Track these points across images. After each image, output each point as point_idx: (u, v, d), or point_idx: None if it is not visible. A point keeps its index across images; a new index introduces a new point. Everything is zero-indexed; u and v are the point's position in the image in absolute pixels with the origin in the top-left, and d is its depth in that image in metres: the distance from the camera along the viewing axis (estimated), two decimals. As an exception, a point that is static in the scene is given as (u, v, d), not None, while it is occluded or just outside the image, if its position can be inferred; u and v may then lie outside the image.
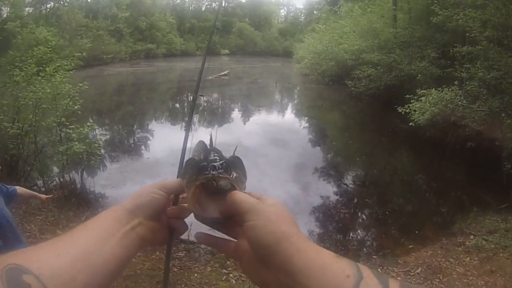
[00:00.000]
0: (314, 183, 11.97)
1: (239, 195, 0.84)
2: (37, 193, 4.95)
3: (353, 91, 24.53)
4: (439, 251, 7.52)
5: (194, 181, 0.88)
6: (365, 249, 8.75)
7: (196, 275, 5.83)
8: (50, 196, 5.37)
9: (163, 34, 74.00)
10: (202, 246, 7.41)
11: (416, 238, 8.52)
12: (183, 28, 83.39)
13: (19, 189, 4.26)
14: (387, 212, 10.10)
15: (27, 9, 50.59)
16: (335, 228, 9.61)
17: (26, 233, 7.31)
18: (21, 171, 10.50)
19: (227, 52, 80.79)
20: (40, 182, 11.09)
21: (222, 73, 40.17)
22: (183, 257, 6.83)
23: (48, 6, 57.50)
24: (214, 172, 0.87)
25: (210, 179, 0.88)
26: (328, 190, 11.58)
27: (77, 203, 9.67)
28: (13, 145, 10.25)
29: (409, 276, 6.56)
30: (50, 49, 12.88)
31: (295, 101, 32.27)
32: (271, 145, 15.73)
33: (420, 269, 6.82)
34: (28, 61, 11.31)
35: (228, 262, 6.55)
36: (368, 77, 22.76)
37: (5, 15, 35.09)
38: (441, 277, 6.51)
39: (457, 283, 6.32)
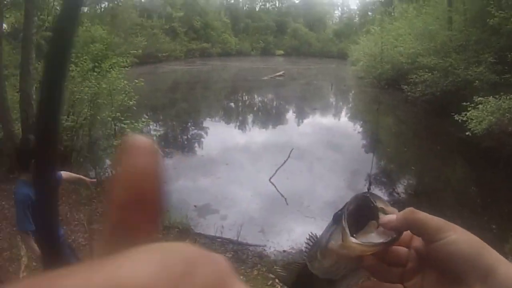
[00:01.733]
0: (365, 188, 11.48)
1: (420, 213, 0.70)
2: (82, 176, 5.18)
3: (409, 96, 23.61)
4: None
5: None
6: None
7: (241, 277, 5.48)
8: (94, 180, 5.64)
9: (218, 33, 74.62)
10: (251, 248, 7.39)
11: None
12: (238, 28, 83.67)
13: (64, 173, 4.49)
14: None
15: (82, 8, 51.82)
16: None
17: (74, 221, 7.54)
18: (75, 162, 10.68)
19: (282, 53, 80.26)
20: (92, 174, 11.18)
21: (277, 74, 39.93)
22: (230, 257, 6.64)
23: (103, 5, 58.91)
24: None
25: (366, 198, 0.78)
26: (379, 194, 11.09)
27: (128, 196, 9.67)
28: (67, 136, 10.46)
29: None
30: (105, 46, 13.03)
31: (350, 104, 31.74)
32: (325, 149, 15.41)
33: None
34: (84, 57, 11.46)
35: (275, 267, 6.34)
36: (424, 82, 21.87)
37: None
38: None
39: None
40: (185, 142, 17.57)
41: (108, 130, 11.28)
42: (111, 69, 11.25)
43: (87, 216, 7.68)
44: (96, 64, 11.46)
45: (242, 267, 6.31)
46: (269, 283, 5.91)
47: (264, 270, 6.26)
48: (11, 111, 10.47)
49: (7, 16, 22.05)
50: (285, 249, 7.60)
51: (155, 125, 19.34)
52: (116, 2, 59.00)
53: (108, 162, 11.91)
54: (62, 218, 7.54)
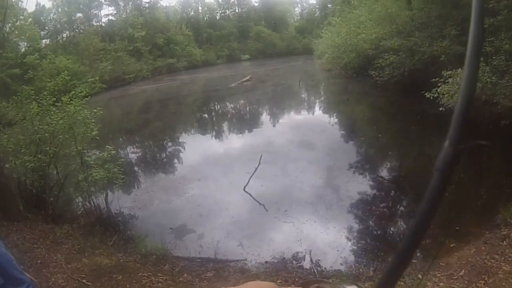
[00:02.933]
0: (343, 183, 11.51)
1: None
2: None
3: (378, 81, 23.94)
4: (483, 248, 6.90)
5: None
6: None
7: None
8: None
9: (182, 47, 74.68)
10: (231, 264, 7.33)
11: (457, 235, 7.92)
12: (201, 39, 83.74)
13: None
14: None
15: (44, 41, 52.05)
16: (366, 227, 9.16)
17: (52, 263, 7.28)
18: (48, 201, 10.52)
19: (248, 57, 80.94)
20: (67, 210, 11.14)
21: (245, 79, 40.21)
22: (211, 277, 6.69)
23: (64, 35, 58.73)
24: None
25: None
26: (359, 188, 11.10)
27: (104, 229, 9.59)
28: (37, 176, 10.26)
29: (452, 280, 6.04)
30: (69, 76, 12.91)
31: (321, 98, 31.93)
32: (298, 148, 15.43)
33: (463, 271, 6.26)
34: (44, 93, 11.31)
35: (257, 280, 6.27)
36: (390, 64, 22.23)
37: (23, 50, 35.92)
38: (486, 278, 5.92)
39: (503, 283, 5.72)
40: (158, 163, 17.45)
41: (75, 165, 11.07)
42: (71, 102, 11.07)
43: (64, 255, 7.55)
44: (56, 98, 11.32)
45: (225, 285, 6.06)
46: None
47: None
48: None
49: None
50: (267, 260, 7.54)
51: (128, 148, 19.36)
52: (76, 31, 58.94)
53: (80, 196, 11.74)
54: (42, 262, 7.43)
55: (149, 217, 10.72)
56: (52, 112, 10.66)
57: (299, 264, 7.30)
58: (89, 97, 12.06)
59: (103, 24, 69.50)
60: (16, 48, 36.13)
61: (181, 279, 6.46)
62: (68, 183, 11.17)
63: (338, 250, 7.78)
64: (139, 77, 59.00)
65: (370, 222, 9.32)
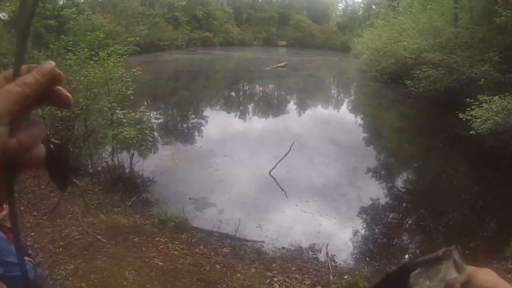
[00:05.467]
0: (365, 185, 11.43)
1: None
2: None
3: (412, 91, 23.45)
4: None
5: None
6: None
7: (239, 275, 5.61)
8: None
9: (220, 23, 74.72)
10: (249, 244, 7.26)
11: (465, 259, 7.70)
12: (240, 18, 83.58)
13: None
14: (435, 223, 9.56)
15: (83, -4, 52.54)
16: (381, 232, 9.13)
17: (68, 214, 7.34)
18: (70, 152, 10.54)
19: (285, 44, 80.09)
20: (88, 164, 11.17)
21: (280, 64, 39.88)
22: (227, 253, 6.63)
23: (105, -6, 59.08)
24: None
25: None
26: (379, 192, 11.07)
27: (124, 188, 9.63)
28: (63, 127, 10.26)
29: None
30: (104, 34, 12.87)
31: (352, 98, 31.50)
32: (326, 143, 15.25)
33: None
34: (81, 45, 11.28)
35: (274, 265, 6.30)
36: (428, 77, 21.70)
37: (61, 2, 36.19)
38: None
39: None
40: (185, 132, 17.39)
41: (105, 120, 11.07)
42: (109, 58, 11.05)
43: (82, 208, 7.58)
44: (94, 52, 11.29)
45: (239, 264, 6.16)
46: (266, 282, 5.77)
47: (262, 268, 6.10)
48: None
49: (7, 4, 22.00)
50: (284, 245, 7.47)
51: (155, 113, 19.28)
52: (117, -10, 59.16)
53: (104, 152, 11.93)
54: (57, 211, 7.45)
55: (171, 184, 10.64)
56: (89, 66, 10.63)
57: (314, 256, 7.25)
58: (127, 56, 12.01)
59: (144, -12, 69.66)
60: (54, 0, 36.42)
61: (197, 250, 6.43)
62: (92, 137, 11.17)
63: (353, 249, 7.83)
64: (173, 45, 59.12)
65: (385, 229, 9.26)
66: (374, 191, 10.95)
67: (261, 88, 30.95)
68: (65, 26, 23.55)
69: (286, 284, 5.74)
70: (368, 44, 37.23)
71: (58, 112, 9.92)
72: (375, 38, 35.78)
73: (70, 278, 5.31)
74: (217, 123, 18.11)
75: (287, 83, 32.93)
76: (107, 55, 10.99)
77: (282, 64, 40.35)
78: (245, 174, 11.37)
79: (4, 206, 3.89)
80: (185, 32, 66.13)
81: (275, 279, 5.85)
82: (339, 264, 7.05)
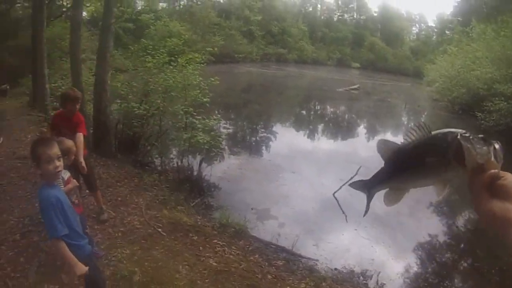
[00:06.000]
0: (426, 218, 11.21)
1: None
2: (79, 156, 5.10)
3: (482, 125, 22.25)
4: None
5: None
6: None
7: (288, 287, 5.63)
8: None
9: (295, 40, 75.08)
10: (303, 260, 7.28)
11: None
12: (315, 37, 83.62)
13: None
14: (493, 270, 8.88)
15: (161, 4, 54.28)
16: (434, 270, 8.72)
17: (132, 204, 7.68)
18: (142, 148, 11.08)
19: (358, 66, 79.43)
20: (158, 161, 11.72)
21: (352, 87, 39.53)
22: (280, 266, 6.69)
23: (182, 3, 60.60)
24: None
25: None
26: (438, 228, 10.73)
27: (190, 189, 9.92)
28: (137, 123, 10.94)
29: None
30: (182, 41, 13.41)
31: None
32: None
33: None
34: (161, 50, 11.91)
35: (323, 284, 6.30)
36: (499, 111, 20.82)
37: (139, 8, 37.64)
38: None
39: None
40: (254, 144, 17.63)
41: (179, 123, 11.57)
42: (187, 65, 11.57)
43: (146, 201, 7.89)
44: (172, 58, 11.84)
45: (291, 278, 6.20)
46: None
47: (312, 285, 6.12)
48: (84, 92, 10.93)
49: (87, 5, 23.25)
50: (336, 267, 7.46)
51: (227, 123, 19.67)
52: (194, 1, 60.61)
53: (174, 152, 12.40)
54: (122, 200, 7.83)
55: (236, 192, 10.89)
56: (168, 70, 11.18)
57: (364, 282, 7.21)
58: (204, 65, 12.47)
59: (221, 1, 70.98)
60: (134, 5, 37.95)
61: (251, 258, 6.52)
62: (165, 137, 11.73)
63: (403, 282, 7.67)
64: (248, 58, 60.08)
65: (439, 267, 8.91)
66: (434, 226, 10.70)
67: (332, 109, 30.81)
68: (146, 30, 24.58)
69: (330, 303, 5.61)
70: (440, 71, 36.03)
71: (135, 109, 10.53)
72: (448, 65, 34.54)
73: (124, 262, 5.56)
74: (287, 139, 18.21)
75: (359, 106, 32.51)
76: (186, 61, 11.54)
77: (355, 86, 39.96)
78: (309, 192, 11.39)
79: (71, 179, 4.36)
80: (260, 47, 67.02)
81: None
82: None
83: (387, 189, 1.33)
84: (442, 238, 10.15)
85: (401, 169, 1.23)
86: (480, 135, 1.04)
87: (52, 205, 3.19)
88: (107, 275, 4.70)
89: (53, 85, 16.27)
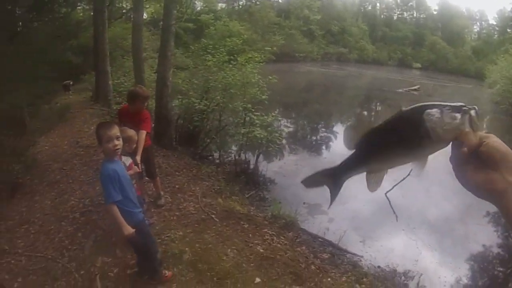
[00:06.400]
0: (476, 225, 10.60)
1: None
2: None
3: None
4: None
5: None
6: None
7: (329, 279, 5.81)
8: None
9: (355, 39, 74.39)
10: (348, 255, 7.48)
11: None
12: (375, 36, 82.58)
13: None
14: None
15: (220, 4, 54.91)
16: (478, 281, 8.42)
17: (189, 192, 8.17)
18: (201, 141, 11.85)
19: (419, 66, 77.56)
20: (216, 155, 12.40)
21: (412, 88, 38.73)
22: (325, 259, 6.90)
23: (240, 3, 61.06)
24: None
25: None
26: (490, 238, 10.20)
27: (245, 181, 10.42)
28: (198, 118, 11.54)
29: None
30: (241, 41, 13.86)
31: (483, 132, 28.93)
32: (446, 173, 14.15)
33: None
34: (221, 49, 12.46)
35: (364, 279, 6.41)
36: None
37: (199, 8, 38.38)
38: None
39: None
40: (311, 142, 17.90)
41: (238, 119, 12.11)
42: (246, 63, 12.05)
43: (203, 190, 8.34)
44: (232, 57, 12.33)
45: (333, 270, 6.34)
46: None
47: (353, 279, 6.24)
48: (146, 88, 11.64)
49: (147, 6, 24.22)
50: (380, 265, 7.58)
51: (285, 121, 20.10)
52: (253, 1, 61.01)
53: (232, 147, 12.94)
54: (179, 187, 8.33)
55: (290, 186, 11.14)
56: (228, 68, 11.77)
57: (405, 282, 7.32)
58: (263, 63, 12.86)
59: (280, 0, 71.19)
60: (193, 6, 38.68)
61: (298, 249, 6.70)
62: (224, 132, 12.29)
63: (444, 286, 7.56)
64: (308, 58, 60.17)
65: (488, 280, 8.61)
66: (485, 235, 10.24)
67: (391, 110, 29.95)
68: (206, 30, 25.20)
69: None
70: (502, 72, 34.17)
71: (196, 104, 11.11)
72: (510, 66, 32.93)
73: (176, 242, 5.95)
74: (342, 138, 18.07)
75: None
76: (245, 60, 12.02)
77: (415, 87, 39.07)
78: (362, 191, 11.15)
79: (132, 165, 4.93)
80: (321, 46, 66.93)
81: (357, 290, 5.97)
82: (425, 297, 6.97)
83: (367, 175, 1.37)
84: (493, 249, 9.79)
85: (374, 151, 1.27)
86: (454, 104, 1.06)
87: (109, 176, 3.87)
88: (159, 251, 5.13)
89: (115, 81, 17.16)
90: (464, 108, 1.04)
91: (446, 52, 79.97)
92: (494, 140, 1.01)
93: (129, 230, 3.96)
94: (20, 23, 13.26)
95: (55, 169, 9.83)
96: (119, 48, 23.40)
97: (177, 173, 9.26)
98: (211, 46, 12.94)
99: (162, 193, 7.34)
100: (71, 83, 21.46)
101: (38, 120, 15.49)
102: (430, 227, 9.77)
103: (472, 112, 1.04)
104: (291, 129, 19.16)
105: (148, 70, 14.17)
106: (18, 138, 13.20)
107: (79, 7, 24.27)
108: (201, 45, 13.95)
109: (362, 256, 7.68)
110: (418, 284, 7.09)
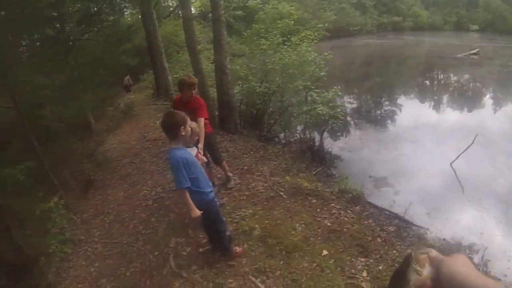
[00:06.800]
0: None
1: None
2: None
3: None
4: None
5: None
6: None
7: (395, 251, 5.74)
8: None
9: (408, 6, 72.32)
10: (413, 228, 7.48)
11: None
12: (427, 1, 79.55)
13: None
14: None
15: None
16: None
17: (257, 172, 8.41)
18: (265, 123, 12.26)
19: (477, 28, 72.34)
20: (281, 136, 12.67)
21: (472, 52, 36.97)
22: (391, 231, 6.93)
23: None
24: None
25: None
26: None
27: (311, 158, 10.63)
28: (260, 101, 11.87)
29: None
30: (293, 21, 13.94)
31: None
32: None
33: None
34: (273, 32, 12.64)
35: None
36: None
37: (246, -6, 38.64)
38: None
39: None
40: (374, 116, 17.73)
41: (299, 98, 12.33)
42: (300, 43, 12.17)
43: (270, 169, 8.58)
44: (286, 38, 12.46)
45: (399, 243, 6.32)
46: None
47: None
48: (206, 79, 12.10)
49: (192, 1, 24.67)
50: (445, 237, 7.50)
51: (347, 97, 20.22)
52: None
53: (296, 126, 13.00)
54: (248, 169, 8.59)
55: (355, 161, 11.33)
56: (283, 50, 11.93)
57: (470, 255, 7.02)
58: (317, 41, 12.95)
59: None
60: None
61: (365, 222, 6.74)
62: (287, 113, 12.51)
63: (509, 261, 7.15)
64: (363, 30, 59.37)
65: None
66: None
67: (453, 78, 29.15)
68: (255, 16, 25.38)
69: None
70: None
71: (256, 88, 11.35)
72: None
73: (246, 219, 6.20)
74: (408, 110, 18.02)
75: (480, 72, 29.76)
76: (299, 40, 12.14)
77: (474, 51, 37.11)
78: (427, 162, 11.24)
79: (198, 155, 5.10)
80: (373, 17, 65.65)
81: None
82: (489, 271, 6.71)
83: None
84: None
85: None
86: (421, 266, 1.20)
87: (178, 164, 4.12)
88: (230, 230, 5.37)
89: (175, 76, 17.67)
90: (407, 259, 1.23)
91: (502, 11, 75.78)
92: (449, 264, 1.16)
93: (196, 213, 4.23)
94: (71, 37, 13.93)
95: (125, 164, 10.55)
96: (172, 45, 24.15)
97: (244, 155, 9.54)
98: (264, 30, 13.09)
99: (230, 175, 7.58)
100: (130, 80, 22.24)
101: (103, 121, 16.20)
102: (496, 199, 9.33)
103: (413, 256, 1.21)
104: (354, 105, 19.16)
105: (205, 61, 14.50)
106: (86, 140, 13.97)
107: (126, 13, 24.98)
108: (253, 30, 14.10)
109: (427, 229, 7.64)
110: (482, 258, 6.95)
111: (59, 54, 12.57)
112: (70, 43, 13.76)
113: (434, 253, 1.28)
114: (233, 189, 7.44)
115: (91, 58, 14.33)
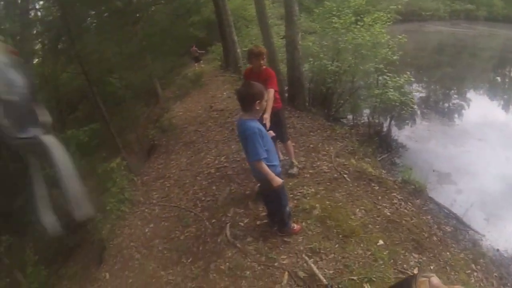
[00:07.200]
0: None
1: None
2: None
3: None
4: None
5: None
6: None
7: (448, 253, 5.57)
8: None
9: (482, -6, 69.72)
10: (470, 231, 7.18)
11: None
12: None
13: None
14: None
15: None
16: None
17: (322, 151, 8.33)
18: (334, 103, 12.17)
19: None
20: (349, 117, 12.66)
21: None
22: (448, 232, 6.66)
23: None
24: None
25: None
26: None
27: (378, 143, 10.52)
28: (331, 79, 11.76)
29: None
30: (365, 1, 13.71)
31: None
32: None
33: None
34: (345, 11, 12.52)
35: (481, 260, 6.00)
36: None
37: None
38: None
39: None
40: (444, 108, 17.23)
41: (371, 80, 12.14)
42: (373, 24, 11.95)
43: (336, 150, 8.50)
44: (358, 18, 12.26)
45: (453, 245, 6.11)
46: (467, 271, 5.53)
47: (470, 258, 5.88)
48: (276, 53, 12.14)
49: None
50: (499, 248, 7.03)
51: (417, 85, 19.61)
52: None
53: (365, 109, 12.88)
54: (313, 147, 8.51)
55: (421, 152, 11.10)
56: (356, 29, 11.73)
57: None
58: (390, 23, 12.70)
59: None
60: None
61: (424, 217, 6.62)
62: (357, 94, 12.34)
63: None
64: (435, 16, 57.62)
65: None
66: None
67: None
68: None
69: (482, 284, 5.45)
70: None
71: (328, 66, 11.24)
72: None
73: (308, 198, 6.15)
74: (477, 106, 17.16)
75: None
76: (372, 21, 11.92)
77: None
78: (493, 163, 10.64)
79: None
80: (447, 3, 63.55)
81: (475, 273, 5.59)
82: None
83: None
84: None
85: None
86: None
87: (255, 134, 4.15)
88: (290, 207, 5.32)
89: (244, 49, 17.70)
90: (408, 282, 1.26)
91: None
92: None
93: (278, 181, 4.26)
94: (139, 9, 14.25)
95: (190, 131, 10.76)
96: (241, 19, 24.19)
97: (311, 133, 9.48)
98: (335, 8, 12.93)
99: (295, 162, 7.38)
100: (198, 51, 22.47)
101: (171, 90, 16.49)
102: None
103: (414, 281, 1.23)
104: (423, 94, 18.69)
105: (275, 37, 14.44)
106: (152, 107, 14.25)
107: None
108: (325, 8, 13.93)
109: (484, 236, 7.25)
110: (536, 278, 6.48)
111: (127, 24, 12.84)
112: (137, 15, 14.00)
113: (435, 280, 1.29)
114: (298, 165, 7.36)
115: (159, 29, 14.61)
